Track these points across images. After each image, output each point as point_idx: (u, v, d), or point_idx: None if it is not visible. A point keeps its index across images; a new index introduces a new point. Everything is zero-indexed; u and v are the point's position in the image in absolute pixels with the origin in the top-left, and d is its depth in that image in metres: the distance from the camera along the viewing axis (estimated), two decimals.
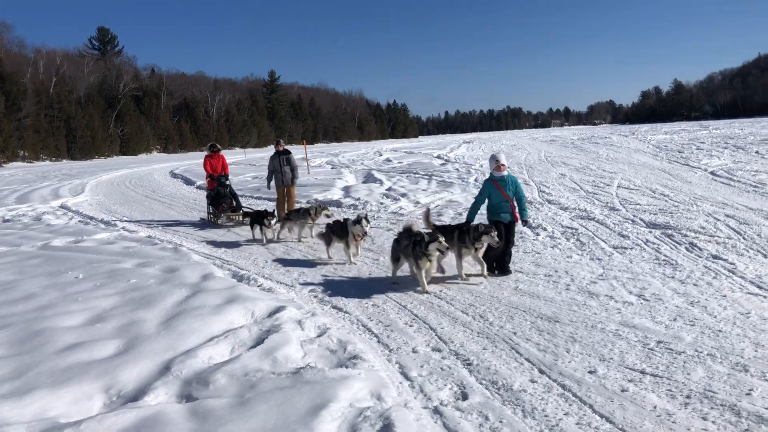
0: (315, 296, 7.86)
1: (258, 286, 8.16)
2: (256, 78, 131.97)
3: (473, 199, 9.13)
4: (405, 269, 8.44)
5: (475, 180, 20.25)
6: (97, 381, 4.87)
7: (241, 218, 14.57)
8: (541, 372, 5.08)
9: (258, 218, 12.13)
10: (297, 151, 21.92)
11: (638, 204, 13.33)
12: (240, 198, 15.86)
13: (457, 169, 25.37)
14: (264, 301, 6.96)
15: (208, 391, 4.67)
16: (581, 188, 16.83)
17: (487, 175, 9.01)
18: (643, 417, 4.25)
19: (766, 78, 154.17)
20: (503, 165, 8.73)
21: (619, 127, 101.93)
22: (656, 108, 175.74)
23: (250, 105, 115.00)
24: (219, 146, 16.16)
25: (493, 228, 8.14)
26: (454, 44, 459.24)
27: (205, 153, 16.21)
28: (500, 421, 4.27)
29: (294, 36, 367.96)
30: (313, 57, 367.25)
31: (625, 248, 9.37)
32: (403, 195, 17.36)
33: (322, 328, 6.14)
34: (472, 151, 39.56)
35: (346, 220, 9.81)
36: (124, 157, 79.53)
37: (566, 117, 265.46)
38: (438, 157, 34.77)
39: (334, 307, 7.28)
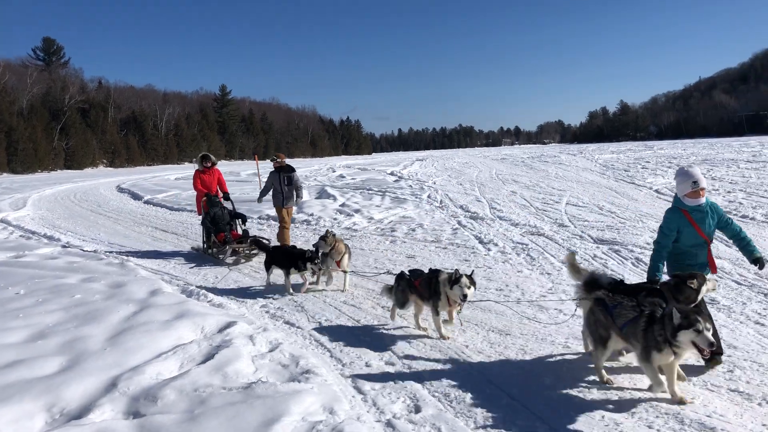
0: (267, 311, 7.78)
1: (208, 302, 8.03)
2: (206, 92, 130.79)
3: (656, 245, 5.88)
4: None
5: (428, 196, 20.40)
6: (39, 399, 4.69)
7: (249, 250, 11.49)
8: (490, 381, 5.13)
9: (287, 259, 8.82)
10: (248, 167, 21.67)
11: (586, 220, 13.64)
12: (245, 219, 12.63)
13: (410, 185, 25.52)
14: (214, 316, 6.85)
15: (157, 407, 4.55)
16: (531, 205, 17.14)
17: (670, 202, 6.68)
18: (592, 426, 4.32)
19: (706, 101, 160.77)
20: (703, 189, 5.64)
21: (568, 147, 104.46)
22: (603, 128, 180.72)
23: (200, 119, 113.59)
24: (213, 158, 12.98)
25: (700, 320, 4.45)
26: (408, 63, 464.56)
27: (194, 167, 13.14)
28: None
29: (246, 50, 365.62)
30: (265, 72, 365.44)
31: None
32: (357, 211, 17.37)
33: (274, 343, 6.07)
34: (425, 168, 39.85)
35: (435, 273, 6.68)
36: (69, 170, 77.26)
37: (517, 136, 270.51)
38: (391, 173, 34.93)
39: (287, 323, 7.21)
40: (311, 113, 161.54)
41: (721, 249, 9.91)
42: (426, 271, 6.93)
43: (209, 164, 12.73)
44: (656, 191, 18.90)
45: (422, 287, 6.62)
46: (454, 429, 4.35)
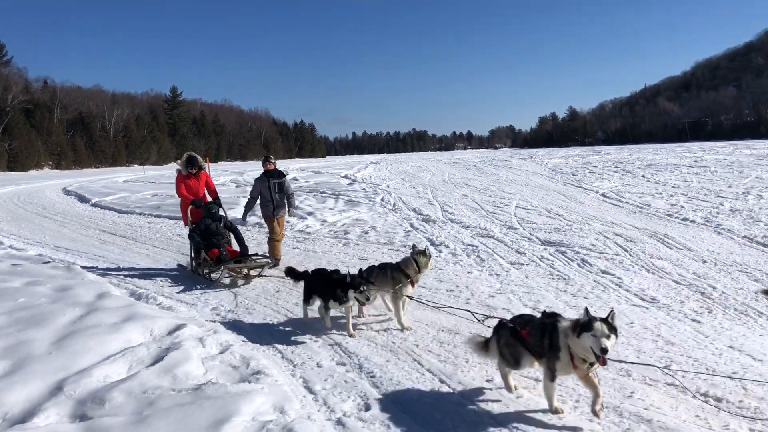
0: (217, 314, 7.73)
1: (157, 305, 7.94)
2: (157, 93, 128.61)
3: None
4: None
5: (382, 199, 20.51)
6: None
7: (248, 271, 9.73)
8: (442, 381, 5.24)
9: (325, 286, 6.94)
10: None
11: (535, 223, 13.95)
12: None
13: (364, 189, 25.60)
14: (164, 319, 6.77)
15: (104, 409, 4.50)
16: (482, 208, 17.41)
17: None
18: (536, 420, 4.46)
19: (651, 108, 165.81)
20: None
21: (519, 151, 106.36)
22: (553, 133, 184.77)
23: (150, 121, 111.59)
24: (201, 160, 11.06)
25: None
26: (363, 66, 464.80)
27: (175, 170, 11.36)
28: (402, 431, 4.37)
29: (197, 51, 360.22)
30: (217, 73, 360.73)
31: (522, 264, 9.79)
32: (310, 214, 17.34)
33: (225, 345, 6.05)
34: (379, 172, 40.00)
35: (550, 317, 4.79)
36: (12, 173, 74.71)
37: (469, 140, 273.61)
38: (345, 176, 34.96)
39: (238, 325, 7.19)
40: (264, 115, 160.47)
41: (663, 251, 10.29)
42: (518, 317, 5.12)
43: (195, 170, 10.85)
44: (602, 195, 19.42)
45: (532, 338, 4.69)
46: (403, 426, 4.43)
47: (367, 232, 13.62)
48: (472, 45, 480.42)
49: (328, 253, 11.66)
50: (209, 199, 10.99)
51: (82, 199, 26.82)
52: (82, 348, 5.75)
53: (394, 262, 7.35)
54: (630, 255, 10.09)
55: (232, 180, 36.75)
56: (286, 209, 10.90)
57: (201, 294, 8.83)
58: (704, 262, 9.38)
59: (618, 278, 8.59)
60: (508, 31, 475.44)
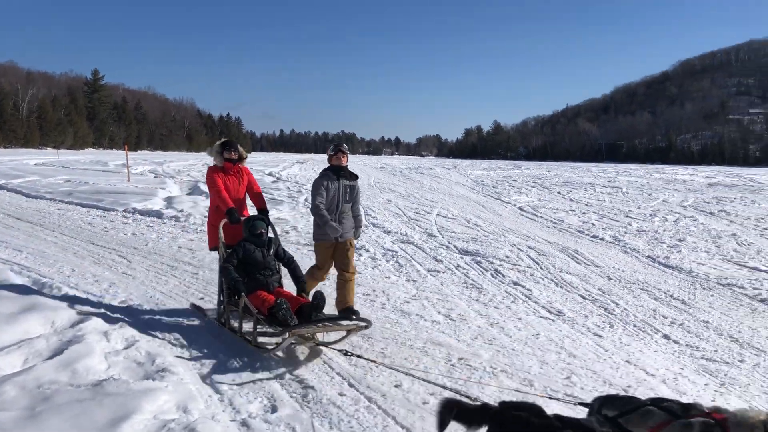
0: (126, 307, 7.48)
1: (62, 295, 7.60)
2: (77, 75, 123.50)
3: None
4: None
5: (306, 200, 20.39)
6: None
7: (322, 335, 6.20)
8: (351, 385, 5.27)
9: None
10: (117, 157, 20.68)
11: (453, 232, 14.22)
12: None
13: (288, 187, 25.39)
14: (67, 310, 6.51)
15: None
16: (404, 214, 17.61)
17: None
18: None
19: (570, 127, 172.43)
20: None
21: (444, 160, 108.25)
22: (477, 145, 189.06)
23: (68, 103, 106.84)
24: (241, 148, 7.27)
25: None
26: (290, 64, 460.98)
27: (207, 160, 9.01)
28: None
29: (121, 34, 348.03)
30: (141, 59, 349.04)
31: (438, 271, 9.97)
32: None
33: (131, 340, 5.86)
34: (305, 172, 39.75)
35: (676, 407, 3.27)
36: None
37: (397, 146, 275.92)
38: (270, 174, 34.55)
39: (146, 319, 6.98)
40: (189, 106, 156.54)
41: (572, 265, 10.71)
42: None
43: (236, 156, 7.11)
44: (520, 208, 20.00)
45: None
46: (308, 428, 4.43)
47: (287, 232, 13.51)
48: (402, 53, 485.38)
49: None
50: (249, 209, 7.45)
51: None
52: None
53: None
54: (541, 268, 10.44)
55: (151, 170, 35.75)
56: (354, 227, 7.19)
57: (109, 286, 8.51)
58: (609, 278, 9.83)
59: (528, 290, 8.87)
60: (436, 40, 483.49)
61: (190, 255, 10.75)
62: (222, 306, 6.74)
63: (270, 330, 6.07)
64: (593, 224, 16.08)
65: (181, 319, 7.07)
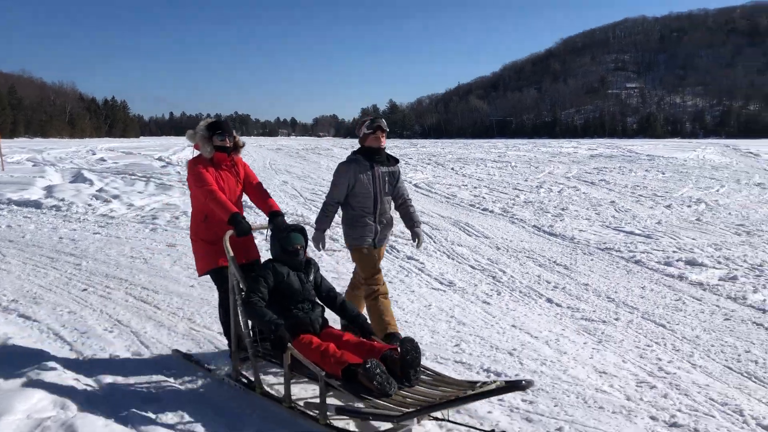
0: None
1: None
2: None
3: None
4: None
5: None
6: None
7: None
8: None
9: None
10: None
11: None
12: None
13: (178, 172, 24.51)
14: None
15: None
16: (301, 195, 17.49)
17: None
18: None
19: (462, 105, 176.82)
20: None
21: (342, 141, 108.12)
22: None
23: None
24: (236, 134, 5.24)
25: None
26: (179, 44, 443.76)
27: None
28: (193, 421, 4.27)
29: None
30: (14, 40, 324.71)
31: (334, 251, 9.98)
32: (116, 197, 16.29)
33: (3, 338, 5.51)
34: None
35: None
36: None
37: (293, 127, 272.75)
38: (159, 159, 33.20)
39: (21, 315, 6.56)
40: (70, 90, 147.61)
41: (463, 238, 11.03)
42: None
43: (230, 144, 5.19)
44: (415, 185, 20.33)
45: None
46: (197, 415, 4.34)
47: (177, 218, 13.08)
48: (295, 33, 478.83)
49: (133, 239, 11.03)
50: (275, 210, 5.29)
51: None
52: None
53: None
54: (434, 242, 10.69)
55: (29, 158, 33.53)
56: (390, 229, 5.78)
57: None
58: (498, 248, 10.21)
59: (421, 263, 9.07)
60: (332, 20, 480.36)
61: (72, 245, 10.22)
62: (248, 349, 4.67)
63: (348, 404, 3.98)
64: (484, 198, 16.62)
65: (60, 312, 6.69)
